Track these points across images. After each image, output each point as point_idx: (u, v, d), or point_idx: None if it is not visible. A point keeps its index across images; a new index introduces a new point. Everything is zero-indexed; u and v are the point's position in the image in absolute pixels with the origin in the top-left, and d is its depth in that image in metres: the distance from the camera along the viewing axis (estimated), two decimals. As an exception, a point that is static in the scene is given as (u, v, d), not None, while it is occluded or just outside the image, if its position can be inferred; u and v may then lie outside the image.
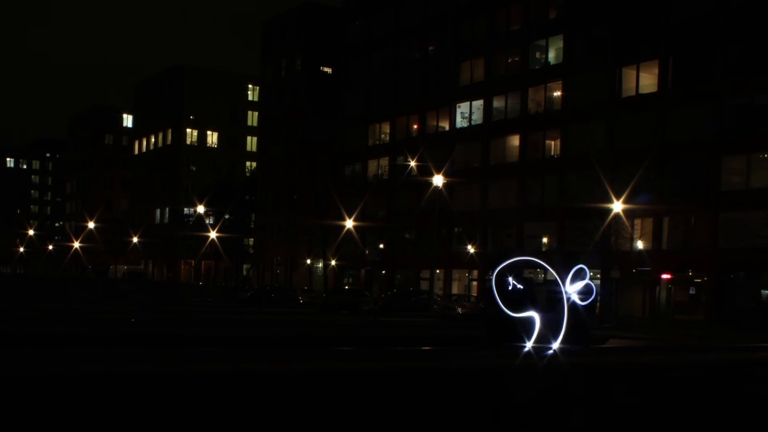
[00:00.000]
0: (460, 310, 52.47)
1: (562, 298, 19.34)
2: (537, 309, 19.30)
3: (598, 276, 58.64)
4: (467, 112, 74.28)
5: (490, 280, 19.74)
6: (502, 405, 15.33)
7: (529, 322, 19.16)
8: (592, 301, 20.06)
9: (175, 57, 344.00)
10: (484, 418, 14.69)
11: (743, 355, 24.25)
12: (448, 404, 15.02)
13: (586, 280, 19.74)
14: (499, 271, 19.71)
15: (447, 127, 76.20)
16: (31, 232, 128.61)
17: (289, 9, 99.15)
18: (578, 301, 19.61)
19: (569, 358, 17.46)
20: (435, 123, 77.89)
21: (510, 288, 19.73)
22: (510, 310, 19.35)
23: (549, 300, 19.56)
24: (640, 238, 56.08)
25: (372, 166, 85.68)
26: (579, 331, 19.72)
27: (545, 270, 21.53)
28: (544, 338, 19.30)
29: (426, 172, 64.17)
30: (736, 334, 42.24)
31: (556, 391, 16.27)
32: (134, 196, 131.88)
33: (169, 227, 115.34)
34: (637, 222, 56.15)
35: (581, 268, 19.67)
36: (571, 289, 19.62)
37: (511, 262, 19.88)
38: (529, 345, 18.79)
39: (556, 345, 18.86)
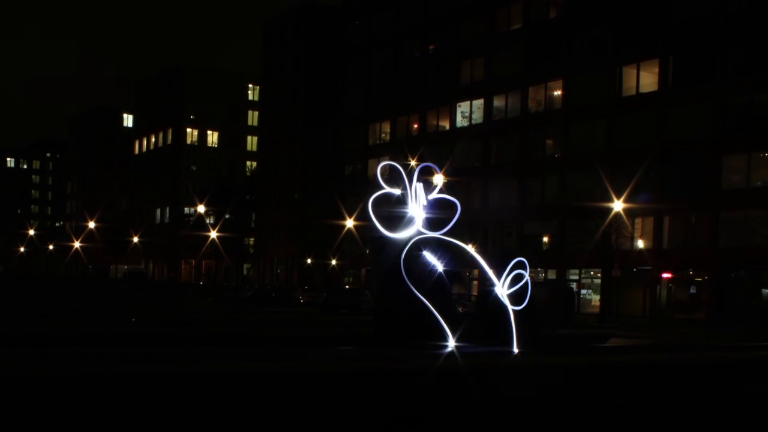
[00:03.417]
0: (460, 309, 52.44)
1: (495, 294, 18.67)
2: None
3: (599, 275, 58.76)
4: (468, 112, 74.27)
5: (398, 263, 18.11)
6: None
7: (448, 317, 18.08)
8: (527, 304, 19.40)
9: (175, 57, 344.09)
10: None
11: (743, 354, 24.26)
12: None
13: (526, 274, 19.00)
14: (408, 250, 18.02)
15: (447, 127, 76.19)
16: (31, 232, 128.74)
17: (289, 9, 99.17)
18: (509, 304, 18.92)
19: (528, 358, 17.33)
20: (435, 122, 77.88)
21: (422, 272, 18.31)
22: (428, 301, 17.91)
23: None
24: (641, 237, 56.07)
25: (372, 165, 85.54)
26: (506, 328, 19.00)
27: (480, 268, 20.76)
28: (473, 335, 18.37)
29: (426, 171, 64.08)
30: (736, 333, 42.21)
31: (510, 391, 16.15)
32: (135, 196, 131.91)
33: (169, 227, 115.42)
34: (638, 221, 56.14)
35: (520, 261, 19.03)
36: (506, 285, 18.88)
37: (422, 238, 18.49)
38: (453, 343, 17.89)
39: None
